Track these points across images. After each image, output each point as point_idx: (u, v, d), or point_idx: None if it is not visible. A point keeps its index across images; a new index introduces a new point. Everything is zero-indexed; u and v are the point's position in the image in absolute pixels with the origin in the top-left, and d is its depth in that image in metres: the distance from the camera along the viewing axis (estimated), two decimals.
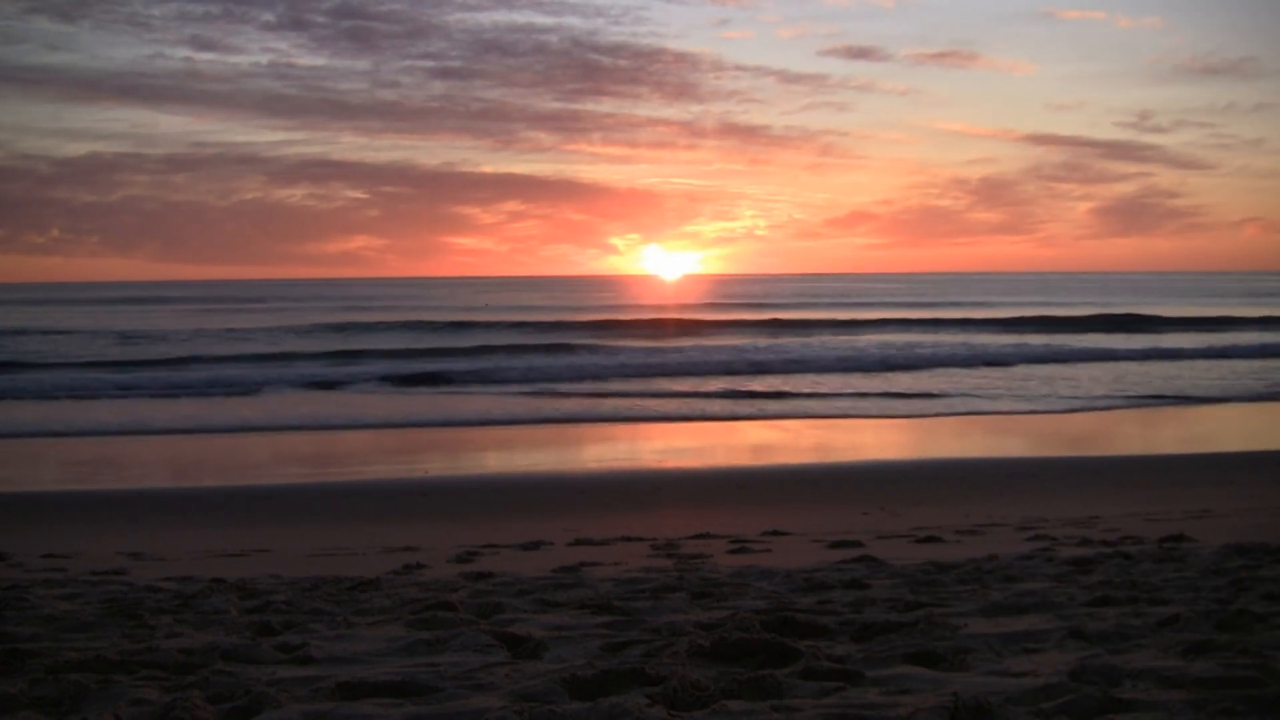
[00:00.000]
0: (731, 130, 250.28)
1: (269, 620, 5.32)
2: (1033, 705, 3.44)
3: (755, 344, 38.19)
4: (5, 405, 23.59)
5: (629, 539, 9.62)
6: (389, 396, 25.70)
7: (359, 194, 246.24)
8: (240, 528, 10.70)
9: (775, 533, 9.77)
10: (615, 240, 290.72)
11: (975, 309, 61.64)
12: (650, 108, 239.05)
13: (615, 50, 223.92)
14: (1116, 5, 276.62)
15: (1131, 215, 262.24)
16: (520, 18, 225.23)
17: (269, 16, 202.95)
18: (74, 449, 17.83)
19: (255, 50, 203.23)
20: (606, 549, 9.08)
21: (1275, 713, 3.31)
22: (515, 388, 26.69)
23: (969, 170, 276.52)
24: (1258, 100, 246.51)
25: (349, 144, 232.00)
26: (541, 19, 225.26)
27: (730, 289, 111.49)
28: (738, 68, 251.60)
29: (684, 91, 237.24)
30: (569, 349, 36.03)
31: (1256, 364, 31.22)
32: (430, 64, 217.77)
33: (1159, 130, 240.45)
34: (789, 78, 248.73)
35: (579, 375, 29.23)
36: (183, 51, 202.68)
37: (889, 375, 28.99)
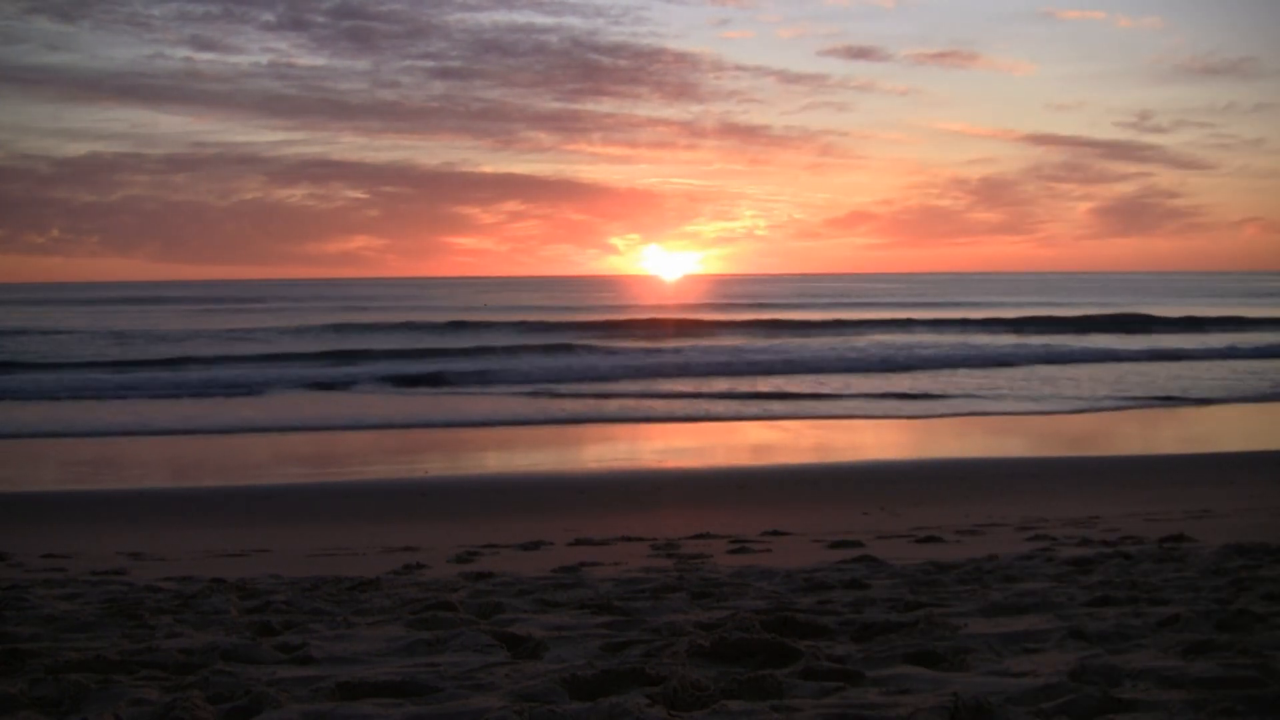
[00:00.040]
0: (731, 130, 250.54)
1: (269, 620, 5.32)
2: (1033, 705, 3.44)
3: (755, 344, 38.22)
4: (5, 405, 23.60)
5: (629, 539, 9.62)
6: (389, 396, 25.71)
7: (359, 194, 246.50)
8: (240, 528, 10.70)
9: (775, 533, 9.77)
10: (615, 240, 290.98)
11: (976, 309, 61.62)
12: (650, 108, 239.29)
13: (615, 50, 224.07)
14: (1116, 5, 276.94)
15: (1131, 215, 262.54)
16: (520, 18, 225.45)
17: (269, 16, 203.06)
18: (74, 449, 17.83)
19: (255, 50, 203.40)
20: (606, 549, 9.08)
21: (1275, 713, 3.31)
22: (515, 388, 26.70)
23: (969, 170, 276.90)
24: (1258, 100, 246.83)
25: (349, 144, 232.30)
26: (541, 19, 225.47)
27: (730, 289, 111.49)
28: (738, 68, 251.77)
29: (684, 91, 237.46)
30: (569, 349, 36.05)
31: (1257, 364, 31.24)
32: (430, 64, 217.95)
33: (1159, 130, 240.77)
34: (789, 78, 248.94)
35: (579, 375, 29.24)
36: (183, 51, 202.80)
37: (890, 376, 28.99)
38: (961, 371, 30.11)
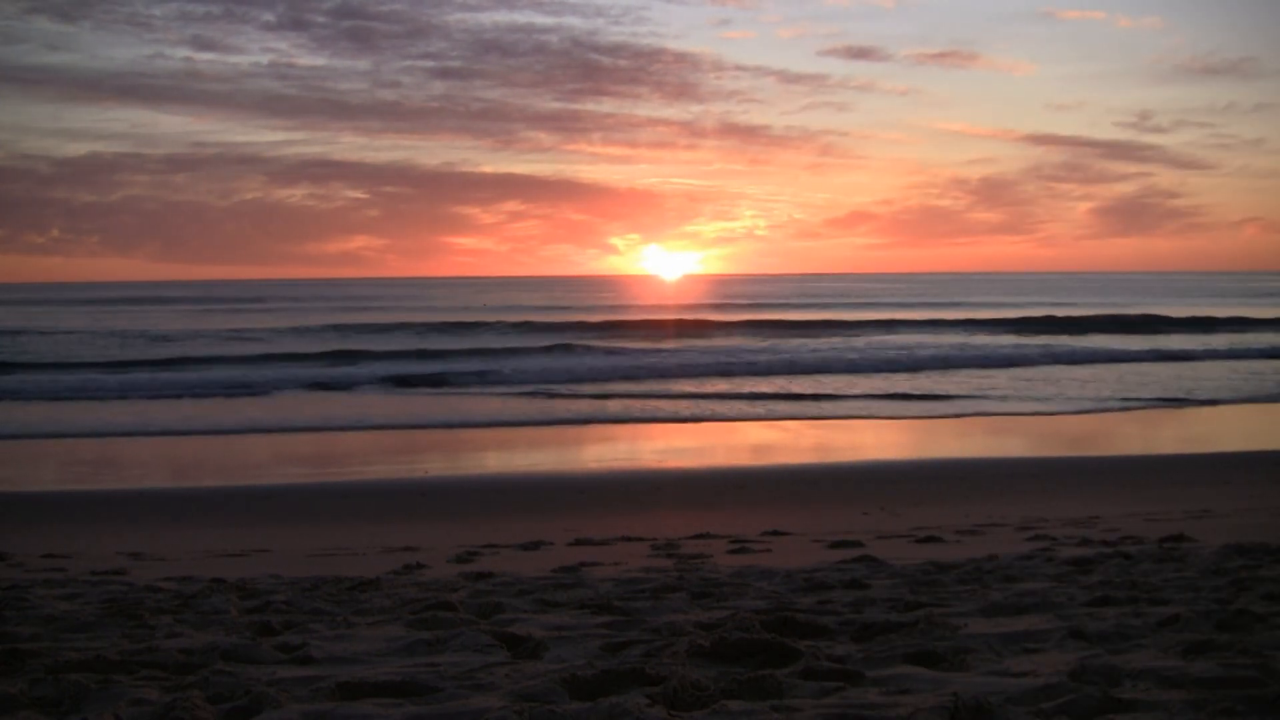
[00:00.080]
0: (731, 130, 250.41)
1: (269, 620, 5.32)
2: (1033, 705, 3.44)
3: (754, 344, 38.24)
4: (5, 405, 23.61)
5: (629, 539, 9.62)
6: (389, 396, 25.71)
7: (359, 194, 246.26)
8: (240, 528, 10.70)
9: (775, 533, 9.77)
10: (615, 240, 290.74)
11: (976, 309, 61.64)
12: (650, 108, 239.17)
13: (615, 50, 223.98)
14: (1116, 5, 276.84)
15: (1131, 215, 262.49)
16: (520, 18, 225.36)
17: (269, 16, 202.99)
18: (74, 449, 17.84)
19: (255, 50, 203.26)
20: (606, 549, 9.08)
21: (1275, 713, 3.31)
22: (515, 388, 26.71)
23: (969, 170, 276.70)
24: (1258, 100, 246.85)
25: (349, 144, 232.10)
26: (541, 19, 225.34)
27: (730, 289, 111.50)
28: (738, 68, 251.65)
29: (684, 91, 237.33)
30: (569, 349, 36.07)
31: (1258, 364, 31.25)
32: (430, 64, 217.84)
33: (1159, 130, 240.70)
34: (789, 78, 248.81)
35: (579, 375, 29.24)
36: (183, 51, 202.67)
37: (890, 376, 29.00)
38: (965, 372, 30.11)
